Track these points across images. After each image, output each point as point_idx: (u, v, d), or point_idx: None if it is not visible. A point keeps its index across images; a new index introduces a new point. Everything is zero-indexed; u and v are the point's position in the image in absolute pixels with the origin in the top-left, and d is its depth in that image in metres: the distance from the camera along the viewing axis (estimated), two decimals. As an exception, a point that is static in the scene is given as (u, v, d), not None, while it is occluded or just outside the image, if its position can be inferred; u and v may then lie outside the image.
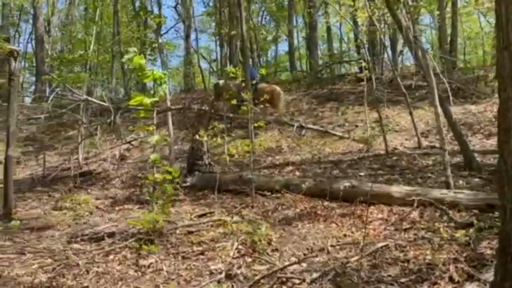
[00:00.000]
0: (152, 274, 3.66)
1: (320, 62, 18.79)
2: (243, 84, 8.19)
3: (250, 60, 16.64)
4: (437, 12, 14.86)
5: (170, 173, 4.67)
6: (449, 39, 15.18)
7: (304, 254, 3.95)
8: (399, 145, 8.46)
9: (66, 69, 13.39)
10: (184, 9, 20.66)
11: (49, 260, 4.01)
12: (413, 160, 7.33)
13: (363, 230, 4.16)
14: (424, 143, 8.25)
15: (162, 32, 19.94)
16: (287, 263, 3.70)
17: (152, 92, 5.08)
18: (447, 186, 5.24)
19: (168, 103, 8.04)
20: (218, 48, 21.51)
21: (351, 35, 20.73)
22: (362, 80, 9.38)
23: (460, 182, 5.74)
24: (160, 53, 16.91)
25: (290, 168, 7.58)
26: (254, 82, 8.32)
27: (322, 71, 17.29)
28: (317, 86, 14.38)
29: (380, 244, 3.89)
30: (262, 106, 9.83)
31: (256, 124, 6.61)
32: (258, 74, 11.25)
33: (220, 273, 3.54)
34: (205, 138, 6.68)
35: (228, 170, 7.47)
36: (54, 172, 8.75)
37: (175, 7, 22.86)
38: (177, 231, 4.65)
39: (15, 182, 6.60)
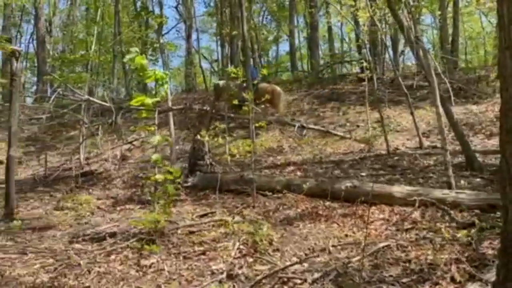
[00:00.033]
0: (153, 274, 3.66)
1: (321, 62, 18.77)
2: (244, 84, 8.20)
3: (251, 60, 16.63)
4: (438, 12, 14.86)
5: (171, 173, 4.67)
6: (450, 39, 15.16)
7: (306, 254, 3.95)
8: (401, 145, 8.46)
9: (67, 69, 13.40)
10: (185, 9, 20.66)
11: (51, 260, 4.01)
12: (415, 160, 7.33)
13: (365, 230, 4.16)
14: (426, 143, 8.24)
15: (163, 32, 19.96)
16: (288, 263, 3.70)
17: (153, 92, 5.09)
18: (449, 186, 5.23)
19: (170, 103, 8.04)
20: (219, 48, 21.53)
21: (352, 35, 20.75)
22: (364, 80, 9.37)
23: (462, 182, 5.74)
24: (162, 53, 16.92)
25: (292, 168, 7.58)
26: (255, 82, 8.32)
27: (323, 71, 17.28)
28: (318, 86, 14.37)
29: (381, 244, 3.89)
30: (263, 106, 9.83)
31: (257, 124, 6.62)
32: (260, 74, 11.26)
33: (222, 273, 3.54)
34: (207, 138, 6.69)
35: (229, 170, 7.47)
36: (56, 172, 8.77)
37: (176, 7, 22.89)
38: (179, 231, 4.66)
39: (16, 182, 6.61)
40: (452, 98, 9.55)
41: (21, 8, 22.94)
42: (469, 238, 3.79)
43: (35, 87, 22.44)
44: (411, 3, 6.96)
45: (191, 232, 4.65)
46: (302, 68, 22.12)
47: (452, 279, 3.13)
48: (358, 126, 10.12)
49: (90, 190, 7.54)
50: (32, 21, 23.17)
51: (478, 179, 5.92)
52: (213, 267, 3.69)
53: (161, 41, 17.35)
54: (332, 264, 3.56)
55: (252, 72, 8.58)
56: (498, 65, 2.45)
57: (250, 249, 4.05)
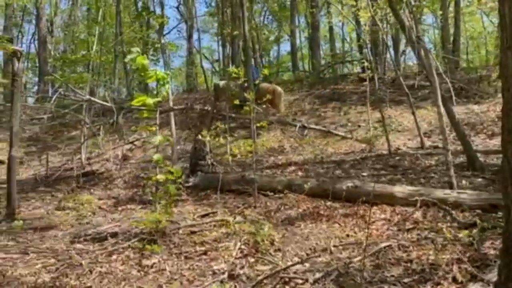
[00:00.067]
0: (155, 274, 3.66)
1: (323, 62, 18.78)
2: (245, 84, 8.20)
3: (252, 60, 16.62)
4: (440, 12, 14.84)
5: (172, 173, 4.67)
6: (452, 38, 15.15)
7: (307, 254, 3.95)
8: (402, 145, 8.45)
9: (69, 70, 13.42)
10: (187, 9, 20.70)
11: (52, 260, 4.02)
12: (416, 160, 7.32)
13: (366, 230, 4.16)
14: (427, 143, 8.23)
15: (164, 33, 20.01)
16: (290, 263, 3.70)
17: (154, 92, 5.09)
18: (450, 186, 5.23)
19: (171, 103, 8.05)
20: (221, 48, 21.50)
21: (354, 35, 20.69)
22: (365, 80, 9.37)
23: (463, 182, 5.73)
24: (163, 53, 16.93)
25: (293, 168, 7.58)
26: (256, 82, 8.32)
27: (324, 71, 17.27)
28: (319, 86, 14.37)
29: (383, 244, 3.88)
30: (264, 106, 9.84)
31: (258, 124, 6.62)
32: (261, 74, 11.26)
33: (223, 273, 3.54)
34: (208, 138, 6.69)
35: (231, 170, 7.48)
36: (57, 172, 8.78)
37: (177, 8, 22.91)
38: (180, 231, 4.66)
39: (18, 182, 6.62)
40: (454, 98, 9.58)
41: (23, 8, 22.99)
42: (471, 238, 3.78)
43: (36, 87, 22.49)
44: (413, 2, 6.95)
45: (193, 232, 4.66)
46: (303, 68, 22.12)
47: (454, 279, 3.12)
48: (359, 126, 10.12)
49: (92, 190, 7.55)
50: (34, 21, 23.23)
51: (479, 179, 5.91)
52: (215, 267, 3.69)
53: (162, 41, 17.37)
54: (334, 264, 3.56)
55: (252, 72, 8.58)
56: (500, 65, 2.45)
57: (251, 249, 4.05)
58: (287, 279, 3.33)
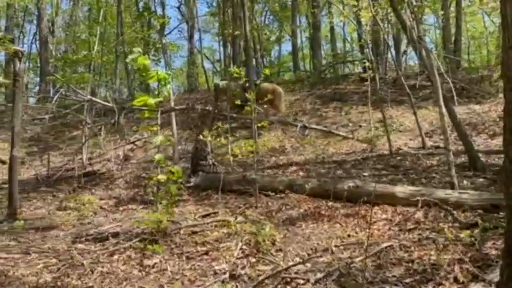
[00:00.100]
0: (156, 274, 3.66)
1: (324, 62, 18.78)
2: (247, 84, 8.21)
3: (254, 60, 16.64)
4: (441, 12, 14.80)
5: (173, 173, 4.67)
6: (453, 38, 15.13)
7: (308, 254, 3.95)
8: (403, 145, 8.45)
9: (70, 70, 13.45)
10: (188, 10, 20.70)
11: (54, 260, 4.02)
12: (417, 160, 7.31)
13: (367, 230, 4.15)
14: (428, 143, 8.23)
15: (165, 33, 20.04)
16: (291, 263, 3.70)
17: (156, 92, 5.10)
18: (452, 186, 5.22)
19: (172, 104, 8.05)
20: (222, 48, 21.49)
21: (355, 35, 20.65)
22: (366, 80, 9.37)
23: (465, 182, 5.73)
24: (164, 53, 16.96)
25: (294, 168, 7.58)
26: (258, 82, 8.33)
27: (325, 71, 17.27)
28: (320, 86, 14.37)
29: (384, 245, 3.88)
30: (265, 106, 9.83)
31: (259, 124, 6.62)
32: (262, 75, 11.27)
33: (224, 273, 3.54)
34: (209, 138, 6.69)
35: (232, 170, 7.48)
36: (59, 172, 8.78)
37: (178, 8, 22.87)
38: (181, 231, 4.66)
39: (19, 182, 6.63)
40: (455, 98, 9.57)
41: (24, 9, 23.00)
42: (472, 239, 3.78)
43: (38, 88, 22.48)
44: (414, 2, 6.95)
45: (194, 232, 4.66)
46: (305, 68, 22.11)
47: (455, 280, 3.12)
48: (360, 126, 10.11)
49: (93, 190, 7.56)
50: (35, 22, 23.24)
51: (481, 179, 5.90)
52: (216, 267, 3.69)
53: (164, 41, 17.43)
54: (335, 264, 3.56)
55: (254, 73, 8.59)
56: (502, 65, 2.45)
57: (252, 249, 4.05)
58: (288, 279, 3.33)
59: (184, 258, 3.97)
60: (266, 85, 10.97)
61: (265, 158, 8.55)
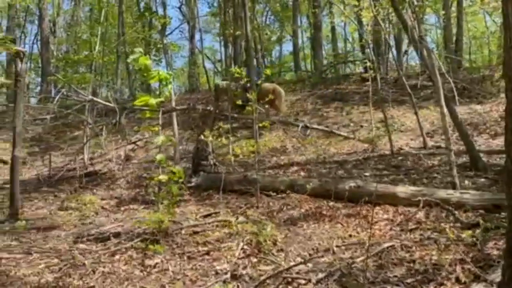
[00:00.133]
0: (157, 274, 3.67)
1: (325, 62, 18.76)
2: (248, 85, 8.21)
3: (255, 60, 16.64)
4: (442, 12, 14.79)
5: (175, 173, 4.68)
6: (454, 38, 15.12)
7: (310, 255, 3.95)
8: (405, 145, 8.44)
9: (71, 70, 13.46)
10: (189, 10, 20.72)
11: (56, 260, 4.03)
12: (419, 160, 7.31)
13: (369, 230, 4.16)
14: (430, 143, 8.22)
15: (166, 33, 20.06)
16: (292, 263, 3.70)
17: (157, 92, 5.10)
18: (453, 186, 5.22)
19: (173, 104, 8.06)
20: (223, 48, 21.51)
21: (356, 35, 20.64)
22: (367, 80, 9.36)
23: (466, 182, 5.72)
24: (165, 53, 16.98)
25: (295, 168, 7.57)
26: (259, 82, 8.34)
27: (326, 71, 17.26)
28: (321, 86, 14.36)
29: (386, 245, 3.88)
30: (266, 106, 9.84)
31: (260, 124, 6.62)
32: (263, 75, 11.26)
33: (226, 273, 3.55)
34: (210, 138, 6.69)
35: (233, 171, 7.48)
36: (60, 172, 8.79)
37: (179, 8, 22.90)
38: (183, 231, 4.66)
39: (21, 182, 6.63)
40: (456, 97, 9.55)
41: (25, 9, 23.04)
42: (474, 239, 3.78)
43: (39, 88, 22.52)
44: (415, 2, 6.94)
45: (195, 232, 4.66)
46: (306, 68, 22.10)
47: (457, 280, 3.12)
48: (361, 126, 10.11)
49: (94, 190, 7.56)
50: (36, 22, 23.27)
51: (482, 179, 5.90)
52: (217, 267, 3.70)
53: (165, 41, 17.45)
54: (336, 264, 3.56)
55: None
56: (503, 65, 2.44)
57: (254, 249, 4.05)
58: (289, 279, 3.33)
59: (185, 258, 3.97)
60: (267, 85, 10.96)
61: (266, 158, 8.55)
